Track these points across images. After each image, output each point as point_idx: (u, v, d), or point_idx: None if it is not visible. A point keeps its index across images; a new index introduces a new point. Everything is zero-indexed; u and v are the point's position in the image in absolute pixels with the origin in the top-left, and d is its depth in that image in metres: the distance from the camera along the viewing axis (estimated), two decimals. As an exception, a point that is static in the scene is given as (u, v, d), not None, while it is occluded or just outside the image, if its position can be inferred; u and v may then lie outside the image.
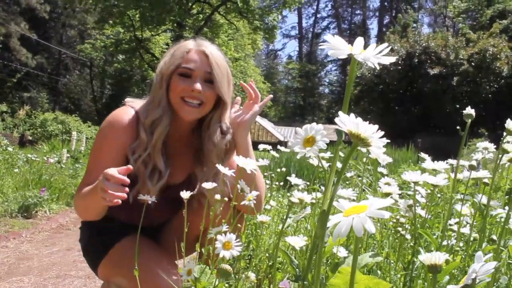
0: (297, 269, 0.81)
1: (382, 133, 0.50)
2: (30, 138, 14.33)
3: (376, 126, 0.50)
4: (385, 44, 0.53)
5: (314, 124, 0.64)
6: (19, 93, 25.39)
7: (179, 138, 1.48)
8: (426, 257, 0.60)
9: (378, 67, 0.54)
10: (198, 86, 1.36)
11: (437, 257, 0.58)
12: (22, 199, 4.06)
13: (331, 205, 0.51)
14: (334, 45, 0.55)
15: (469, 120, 0.94)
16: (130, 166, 1.14)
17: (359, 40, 0.54)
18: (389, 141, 0.52)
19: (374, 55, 0.53)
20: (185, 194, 1.16)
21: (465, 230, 1.31)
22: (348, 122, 0.51)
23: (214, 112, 1.44)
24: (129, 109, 1.44)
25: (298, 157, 0.63)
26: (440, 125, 19.60)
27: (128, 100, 1.50)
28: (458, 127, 1.01)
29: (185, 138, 1.49)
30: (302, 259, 1.22)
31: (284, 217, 1.33)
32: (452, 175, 1.27)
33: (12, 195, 4.20)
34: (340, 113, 0.51)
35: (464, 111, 0.95)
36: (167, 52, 1.47)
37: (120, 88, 26.84)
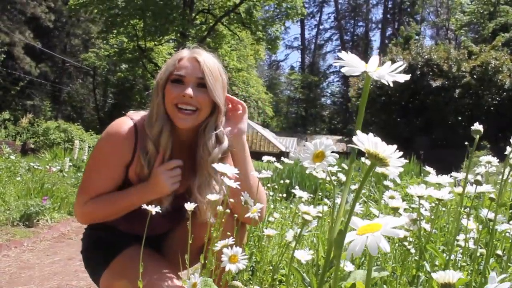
0: (309, 287, 0.81)
1: (401, 153, 0.49)
2: (33, 146, 14.38)
3: (395, 146, 0.49)
4: (400, 62, 0.52)
5: (323, 138, 0.64)
6: (22, 101, 25.52)
7: (180, 147, 1.47)
8: (440, 275, 0.59)
9: (392, 85, 0.54)
10: (189, 91, 1.36)
11: (451, 276, 0.57)
12: (24, 208, 4.05)
13: (348, 225, 0.51)
14: (349, 62, 0.54)
15: (477, 136, 0.93)
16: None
17: (374, 58, 0.54)
18: (407, 161, 0.51)
19: (388, 72, 0.53)
20: (189, 206, 1.15)
21: (469, 244, 1.30)
22: (366, 141, 0.50)
23: (210, 118, 1.44)
24: (128, 120, 1.45)
25: (307, 172, 0.62)
26: (442, 137, 19.59)
27: (130, 112, 1.51)
28: (466, 143, 1.00)
29: (186, 148, 1.49)
30: (309, 274, 1.21)
31: (289, 230, 1.32)
32: (456, 189, 1.26)
33: (14, 203, 4.19)
34: (358, 132, 0.50)
35: (472, 127, 0.94)
36: (165, 63, 1.49)
37: (122, 97, 26.99)
